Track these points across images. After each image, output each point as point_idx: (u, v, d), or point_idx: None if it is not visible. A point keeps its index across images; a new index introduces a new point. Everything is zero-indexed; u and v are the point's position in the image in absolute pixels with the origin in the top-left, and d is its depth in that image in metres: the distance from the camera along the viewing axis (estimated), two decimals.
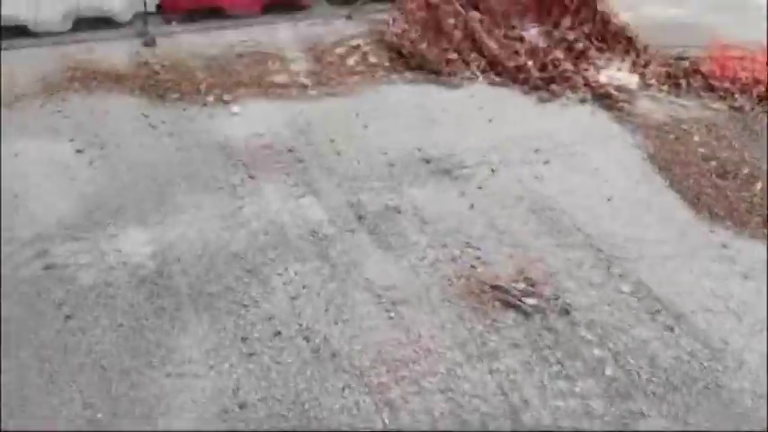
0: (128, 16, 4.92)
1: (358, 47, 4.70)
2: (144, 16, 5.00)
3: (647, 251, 2.84)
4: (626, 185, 3.21)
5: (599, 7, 4.57)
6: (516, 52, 4.38)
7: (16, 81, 4.05)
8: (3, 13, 4.51)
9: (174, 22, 4.98)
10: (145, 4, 5.00)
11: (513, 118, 3.79)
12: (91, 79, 4.11)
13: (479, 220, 2.98)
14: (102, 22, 4.84)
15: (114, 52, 4.50)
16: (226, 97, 3.96)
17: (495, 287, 2.63)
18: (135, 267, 2.70)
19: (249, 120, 3.75)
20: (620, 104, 3.87)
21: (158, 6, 5.07)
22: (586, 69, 4.21)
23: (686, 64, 4.30)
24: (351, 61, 4.50)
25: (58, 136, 3.53)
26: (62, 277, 2.64)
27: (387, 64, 4.45)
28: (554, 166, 3.35)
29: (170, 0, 5.00)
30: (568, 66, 4.17)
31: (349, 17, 5.23)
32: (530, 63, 4.23)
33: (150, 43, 4.64)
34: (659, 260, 2.80)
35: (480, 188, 3.18)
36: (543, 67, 4.22)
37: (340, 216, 2.99)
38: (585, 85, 4.06)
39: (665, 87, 4.13)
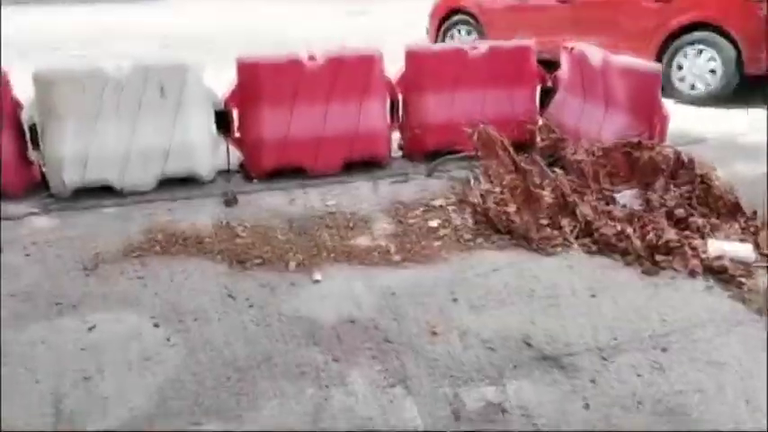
0: (211, 175, 4.98)
1: (441, 207, 4.57)
2: (227, 175, 5.07)
3: None
4: (764, 383, 2.78)
5: (698, 169, 4.31)
6: (612, 217, 4.13)
7: (98, 243, 4.04)
8: (90, 176, 4.62)
9: (255, 181, 5.02)
10: (228, 162, 5.08)
11: (619, 294, 3.47)
12: (172, 242, 4.05)
13: (598, 424, 2.59)
14: (185, 181, 4.92)
15: (196, 212, 4.49)
16: (307, 264, 3.80)
17: None
18: None
19: (332, 290, 3.56)
20: (739, 280, 3.50)
21: (241, 165, 5.15)
22: (693, 237, 3.89)
23: None
24: (434, 223, 4.34)
25: (136, 306, 3.40)
26: None
27: (472, 226, 4.26)
28: (674, 354, 2.96)
29: (252, 159, 5.06)
30: (672, 234, 3.86)
31: (429, 175, 5.17)
32: (629, 230, 3.94)
33: (232, 202, 4.63)
34: None
35: (593, 382, 2.81)
36: (644, 235, 3.92)
37: (435, 414, 2.66)
38: (695, 256, 3.72)
39: None
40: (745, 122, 6.42)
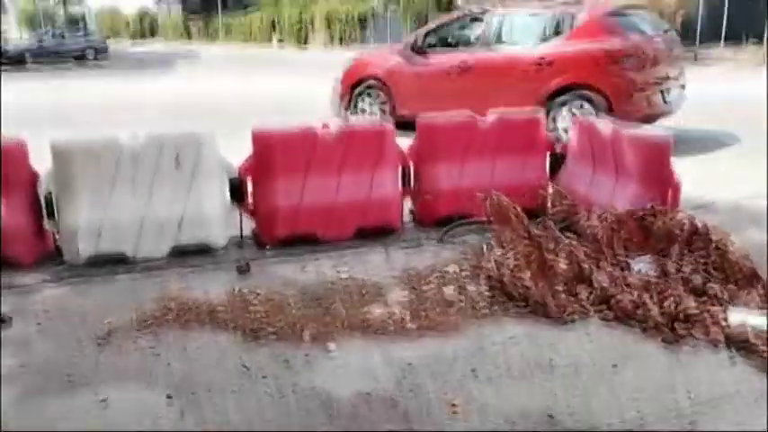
0: (223, 243, 4.99)
1: (455, 275, 4.54)
2: (239, 243, 5.08)
3: None
4: None
5: (712, 235, 4.30)
6: (629, 285, 4.09)
7: (111, 313, 4.00)
8: (104, 246, 4.64)
9: (268, 249, 5.02)
10: (241, 230, 5.10)
11: (640, 365, 3.40)
12: (185, 312, 4.02)
13: None
14: (197, 249, 4.92)
15: (209, 281, 4.48)
16: (322, 334, 3.75)
17: None
18: None
19: (347, 362, 3.50)
20: (762, 351, 3.43)
21: (253, 233, 5.17)
22: (711, 306, 3.84)
23: None
24: (449, 291, 4.30)
25: (148, 379, 3.34)
26: None
27: (487, 295, 4.23)
28: (703, 429, 2.87)
29: (265, 227, 5.08)
30: (691, 302, 3.82)
31: (441, 241, 5.17)
32: (646, 298, 3.90)
33: (245, 271, 4.62)
34: None
35: None
36: (662, 303, 3.88)
37: None
38: (715, 324, 3.66)
39: None
40: (749, 185, 6.44)
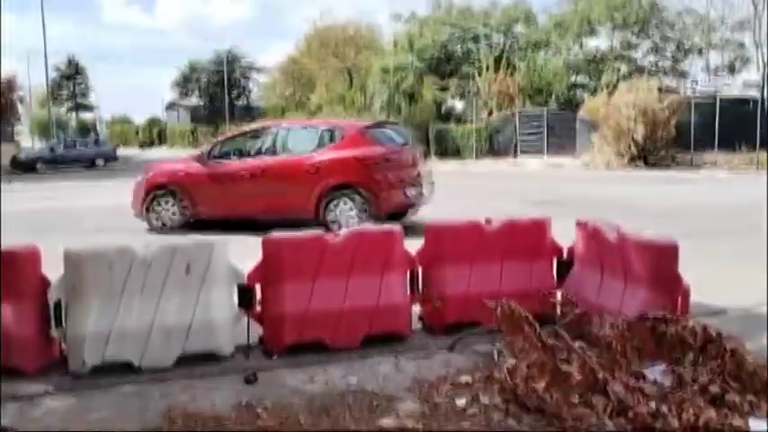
0: (230, 351, 4.93)
1: (467, 384, 4.45)
2: (246, 350, 5.02)
3: None
4: None
5: (728, 344, 4.24)
6: (645, 395, 4.00)
7: (115, 427, 3.90)
8: (111, 354, 4.59)
9: (275, 356, 4.95)
10: (248, 337, 5.05)
11: None
12: (191, 421, 3.92)
13: None
14: (203, 356, 4.85)
15: (215, 391, 4.38)
16: None
17: None
18: None
19: None
20: None
21: (260, 340, 5.11)
22: (732, 416, 3.74)
23: None
24: (461, 402, 4.20)
25: None
26: None
27: (501, 405, 4.13)
28: None
29: (273, 334, 5.03)
30: (711, 414, 3.72)
31: (451, 349, 5.10)
32: (665, 409, 3.80)
33: (252, 380, 4.53)
34: None
35: None
36: (680, 414, 3.78)
37: None
38: None
39: None
40: (761, 291, 6.42)
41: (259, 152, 10.80)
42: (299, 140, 10.72)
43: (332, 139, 10.45)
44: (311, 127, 11.30)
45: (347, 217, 10.00)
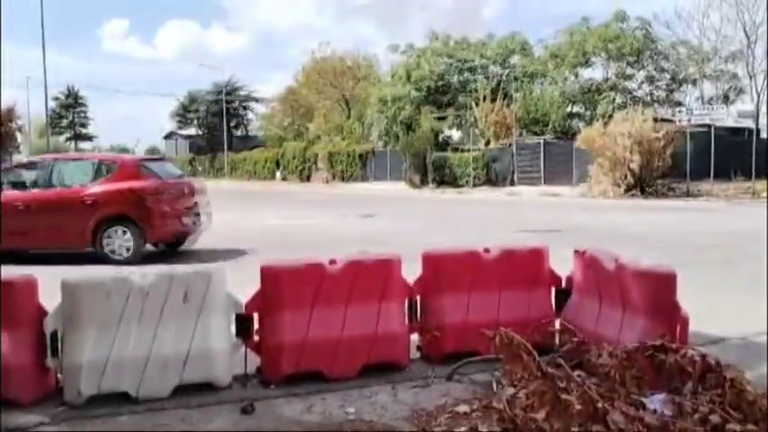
0: (227, 381, 4.89)
1: (465, 414, 4.42)
2: (243, 380, 4.98)
3: None
4: None
5: (727, 373, 4.23)
6: (646, 425, 3.97)
7: None
8: (107, 384, 4.55)
9: (273, 386, 4.91)
10: (245, 367, 5.02)
11: None
12: None
13: None
14: (200, 385, 4.81)
15: (212, 421, 4.34)
16: None
17: None
18: None
19: None
20: None
21: (258, 369, 5.08)
22: None
23: None
24: None
25: None
26: None
27: None
28: None
29: (271, 364, 5.00)
30: None
31: (449, 378, 5.07)
32: None
33: (249, 410, 4.49)
34: None
35: None
36: None
37: None
38: None
39: None
40: (761, 320, 6.41)
41: (35, 184, 11.04)
42: (72, 173, 11.10)
43: (108, 171, 10.98)
44: (82, 160, 12.17)
45: (125, 248, 10.60)
